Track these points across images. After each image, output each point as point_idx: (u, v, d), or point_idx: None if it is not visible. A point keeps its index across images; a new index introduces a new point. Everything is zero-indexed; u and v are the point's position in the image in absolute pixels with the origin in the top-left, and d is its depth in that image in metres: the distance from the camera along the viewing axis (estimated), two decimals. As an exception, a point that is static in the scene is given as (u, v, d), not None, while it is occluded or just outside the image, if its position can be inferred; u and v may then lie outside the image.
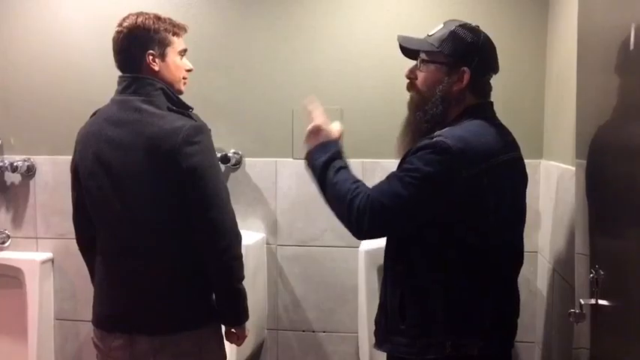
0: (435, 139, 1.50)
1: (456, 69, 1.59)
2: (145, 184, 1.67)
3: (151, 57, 1.73)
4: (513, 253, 1.67)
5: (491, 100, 1.67)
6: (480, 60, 1.60)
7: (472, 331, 1.56)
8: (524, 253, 1.70)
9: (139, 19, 1.73)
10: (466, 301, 1.56)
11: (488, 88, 1.67)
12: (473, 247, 1.54)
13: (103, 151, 1.71)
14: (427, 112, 1.61)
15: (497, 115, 1.68)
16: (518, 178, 1.65)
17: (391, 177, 1.53)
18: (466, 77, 1.58)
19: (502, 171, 1.53)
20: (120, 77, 1.76)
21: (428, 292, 1.57)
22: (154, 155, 1.65)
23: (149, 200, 1.68)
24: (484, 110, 1.63)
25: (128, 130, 1.68)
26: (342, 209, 1.55)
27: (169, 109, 1.70)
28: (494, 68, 1.66)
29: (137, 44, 1.72)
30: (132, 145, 1.67)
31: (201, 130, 1.70)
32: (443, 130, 1.55)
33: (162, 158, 1.64)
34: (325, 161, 1.61)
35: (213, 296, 1.76)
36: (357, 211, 1.50)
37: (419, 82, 1.65)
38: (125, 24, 1.73)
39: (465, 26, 1.62)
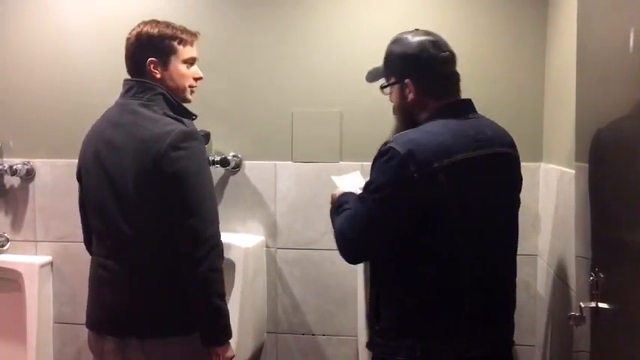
0: (386, 146, 1.53)
1: (403, 83, 1.62)
2: (136, 188, 1.66)
3: (152, 65, 1.74)
4: (488, 254, 1.58)
5: (468, 96, 1.65)
6: (416, 65, 1.60)
7: (445, 337, 1.54)
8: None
9: (144, 28, 1.76)
10: (438, 307, 1.54)
11: (449, 82, 1.62)
12: (440, 251, 1.52)
13: (101, 152, 1.72)
14: (399, 130, 1.65)
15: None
16: (490, 175, 1.57)
17: (355, 200, 1.60)
18: (411, 87, 1.60)
19: (463, 169, 1.50)
20: (124, 80, 1.79)
21: (399, 297, 1.58)
22: (144, 159, 1.64)
23: (141, 203, 1.67)
24: (453, 110, 1.60)
25: (123, 132, 1.69)
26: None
27: (166, 115, 1.70)
28: (438, 59, 1.59)
29: (140, 52, 1.75)
30: (125, 147, 1.68)
31: (190, 136, 1.68)
32: (396, 135, 1.57)
33: (150, 162, 1.64)
34: (336, 206, 1.70)
35: None
36: (336, 239, 1.61)
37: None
38: (133, 32, 1.77)
39: (394, 41, 1.66)
